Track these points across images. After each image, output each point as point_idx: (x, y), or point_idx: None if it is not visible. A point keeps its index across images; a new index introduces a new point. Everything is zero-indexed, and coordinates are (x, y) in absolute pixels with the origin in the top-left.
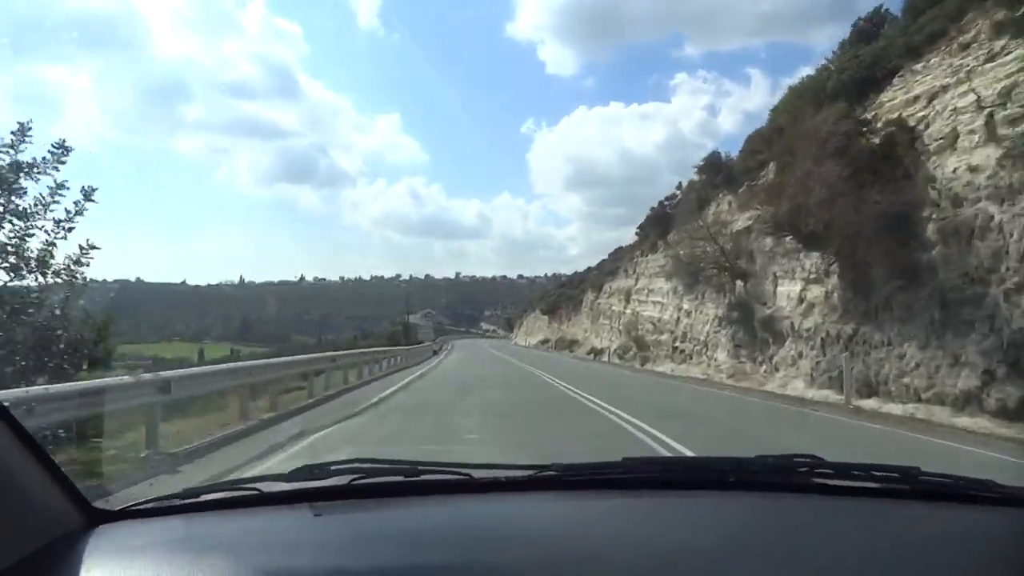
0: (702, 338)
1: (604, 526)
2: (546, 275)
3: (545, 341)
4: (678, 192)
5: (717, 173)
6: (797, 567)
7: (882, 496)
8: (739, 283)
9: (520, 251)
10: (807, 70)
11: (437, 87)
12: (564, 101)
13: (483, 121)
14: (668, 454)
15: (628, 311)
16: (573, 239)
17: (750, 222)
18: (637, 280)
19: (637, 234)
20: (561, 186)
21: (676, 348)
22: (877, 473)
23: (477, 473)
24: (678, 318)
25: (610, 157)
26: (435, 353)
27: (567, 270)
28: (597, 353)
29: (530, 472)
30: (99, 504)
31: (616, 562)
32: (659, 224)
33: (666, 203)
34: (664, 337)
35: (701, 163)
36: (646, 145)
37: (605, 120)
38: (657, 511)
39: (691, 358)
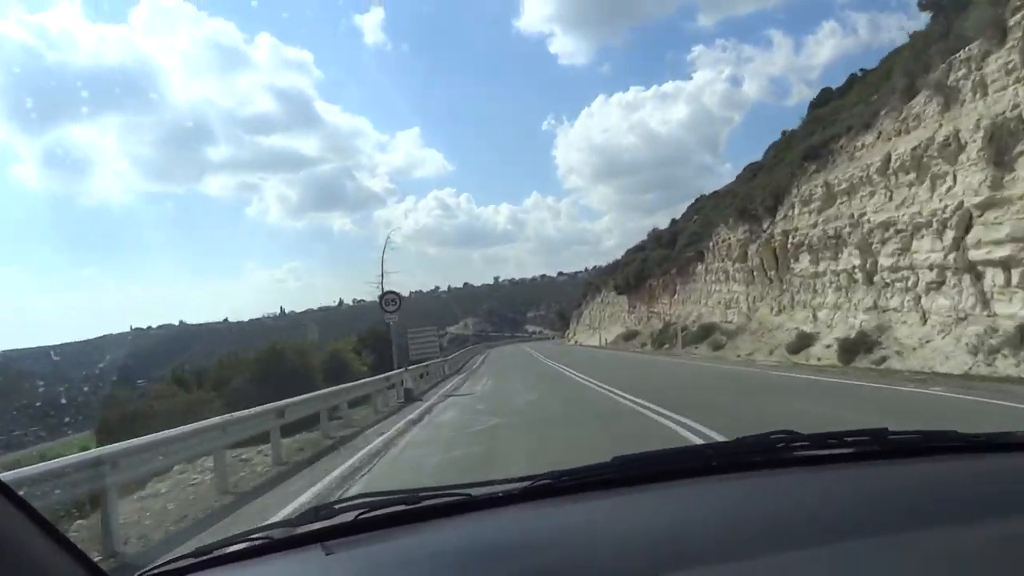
0: None
1: (601, 526)
2: (586, 269)
3: (631, 335)
4: None
5: None
6: (785, 538)
7: (857, 459)
8: None
9: (556, 249)
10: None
11: (451, 94)
12: (582, 92)
13: (503, 123)
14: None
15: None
16: (608, 231)
17: None
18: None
19: None
20: (590, 179)
21: None
22: (849, 439)
23: (476, 491)
24: None
25: (636, 143)
26: (406, 399)
27: (606, 262)
28: (801, 347)
29: (526, 484)
30: (115, 574)
31: (616, 557)
32: None
33: None
34: None
35: None
36: (671, 125)
37: (626, 106)
38: (650, 504)
39: None
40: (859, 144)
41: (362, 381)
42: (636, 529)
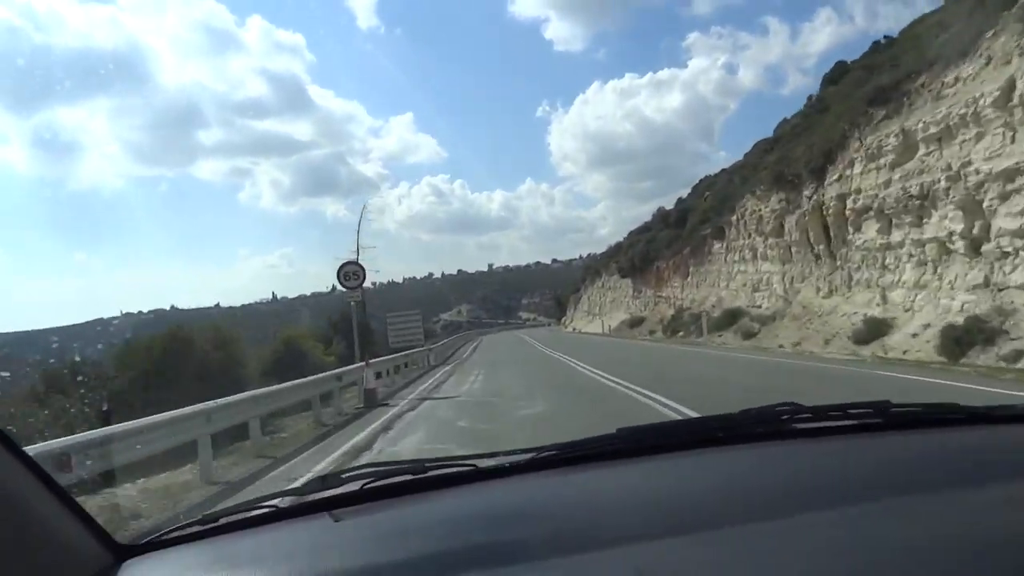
0: None
1: (606, 496)
2: (581, 256)
3: (636, 321)
4: None
5: None
6: (786, 505)
7: (860, 432)
8: None
9: (550, 237)
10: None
11: (445, 80)
12: (577, 78)
13: (497, 109)
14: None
15: None
16: (603, 218)
17: None
18: None
19: None
20: (584, 166)
21: None
22: (852, 411)
23: (482, 463)
24: None
25: (631, 131)
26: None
27: (600, 250)
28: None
29: (531, 455)
30: (120, 539)
31: (620, 526)
32: None
33: None
34: None
35: None
36: (666, 113)
37: (621, 93)
38: (654, 474)
39: None
40: (950, 79)
41: (294, 383)
42: (641, 497)
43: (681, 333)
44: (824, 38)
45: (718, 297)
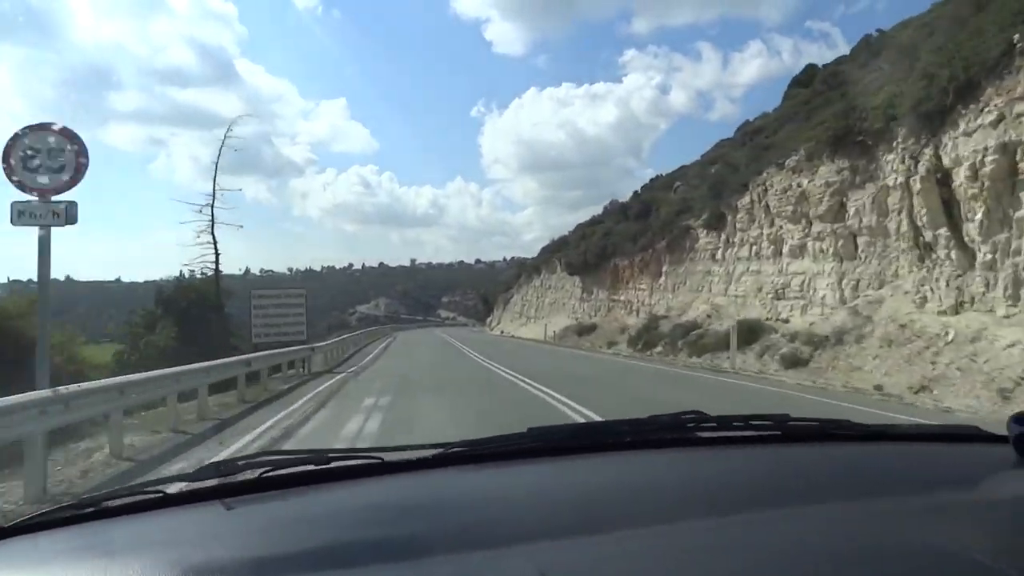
0: None
1: (513, 493)
2: (505, 259)
3: (586, 329)
4: None
5: None
6: (686, 509)
7: (759, 443)
8: None
9: (475, 238)
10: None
11: (382, 70)
12: (515, 82)
13: (432, 104)
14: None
15: None
16: (529, 224)
17: None
18: None
19: None
20: (515, 170)
21: None
22: (754, 422)
23: (388, 456)
24: None
25: (564, 140)
26: None
27: (525, 254)
28: None
29: (439, 450)
30: None
31: (524, 524)
32: None
33: None
34: None
35: None
36: (600, 126)
37: (557, 101)
38: (561, 475)
39: None
40: None
41: None
42: (546, 497)
43: (659, 349)
44: (753, 70)
45: (711, 305)
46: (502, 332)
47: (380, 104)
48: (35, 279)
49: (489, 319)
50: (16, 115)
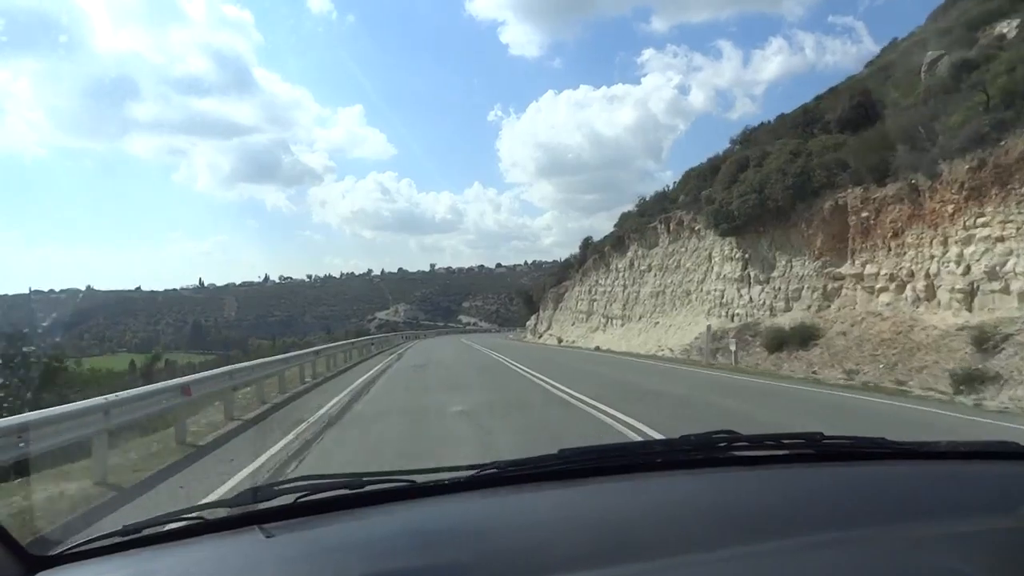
0: None
1: (545, 516)
2: (525, 263)
3: (792, 338)
4: None
5: None
6: (721, 534)
7: (792, 461)
8: None
9: (494, 243)
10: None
11: (398, 74)
12: (531, 85)
13: (449, 109)
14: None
15: None
16: (547, 228)
17: None
18: None
19: None
20: (533, 174)
21: None
22: (786, 441)
23: (421, 478)
24: None
25: (582, 142)
26: None
27: (545, 259)
28: None
29: (472, 472)
30: (33, 549)
31: (559, 548)
32: None
33: None
34: None
35: None
36: (618, 128)
37: (575, 104)
38: (594, 497)
39: None
40: None
41: None
42: (580, 520)
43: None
44: (774, 67)
45: None
46: (559, 341)
47: (397, 110)
48: None
49: (531, 321)
50: (37, 126)
